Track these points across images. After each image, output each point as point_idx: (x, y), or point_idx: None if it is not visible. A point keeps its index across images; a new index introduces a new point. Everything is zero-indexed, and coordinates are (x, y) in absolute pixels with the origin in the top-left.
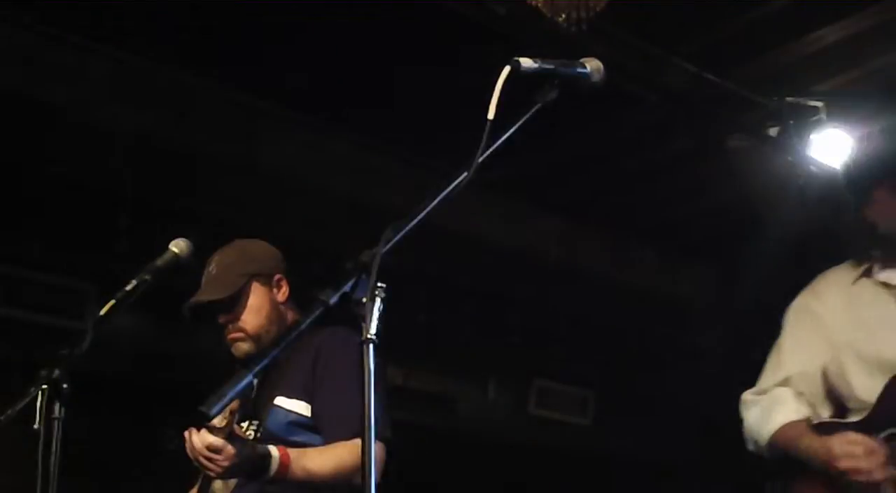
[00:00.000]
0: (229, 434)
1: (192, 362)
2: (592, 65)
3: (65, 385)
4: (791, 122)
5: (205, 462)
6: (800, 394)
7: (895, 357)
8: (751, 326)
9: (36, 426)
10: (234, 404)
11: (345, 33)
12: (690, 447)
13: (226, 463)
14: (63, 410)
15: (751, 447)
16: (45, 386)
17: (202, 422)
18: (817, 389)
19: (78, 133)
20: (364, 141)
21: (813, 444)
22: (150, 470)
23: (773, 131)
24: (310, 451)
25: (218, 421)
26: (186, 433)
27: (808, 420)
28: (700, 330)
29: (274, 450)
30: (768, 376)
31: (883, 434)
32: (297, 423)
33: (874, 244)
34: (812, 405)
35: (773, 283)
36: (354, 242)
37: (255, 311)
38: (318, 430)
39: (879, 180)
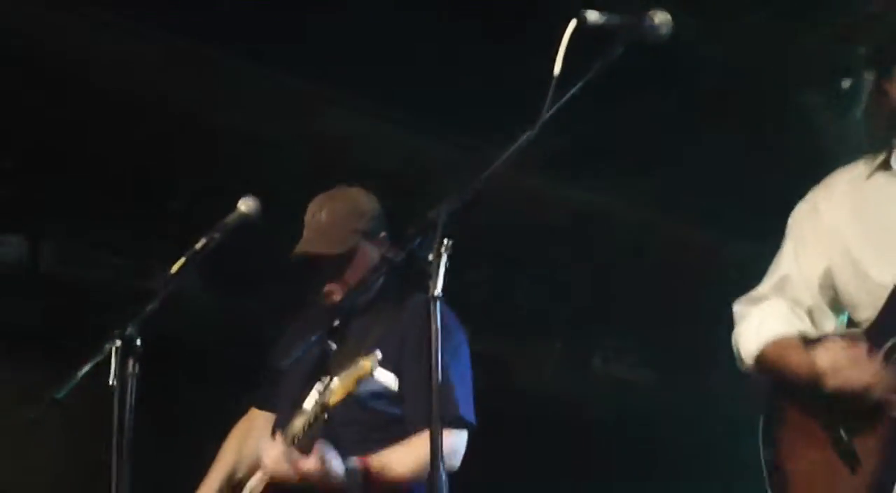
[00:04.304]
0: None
1: (259, 325)
2: (660, 17)
3: (138, 342)
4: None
5: (280, 475)
6: (796, 303)
7: None
8: None
9: (111, 382)
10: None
11: (397, 11)
12: (757, 403)
13: (298, 479)
14: (137, 366)
15: (739, 365)
16: (118, 343)
17: (277, 379)
18: (816, 295)
19: (137, 107)
20: (415, 119)
21: (800, 362)
22: (222, 431)
23: (845, 84)
24: (392, 456)
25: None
26: (263, 443)
27: (801, 335)
28: None
29: (358, 469)
30: (763, 281)
31: (888, 344)
32: (382, 394)
33: (887, 127)
34: (811, 316)
35: None
36: (405, 220)
37: (361, 270)
38: (403, 406)
39: None
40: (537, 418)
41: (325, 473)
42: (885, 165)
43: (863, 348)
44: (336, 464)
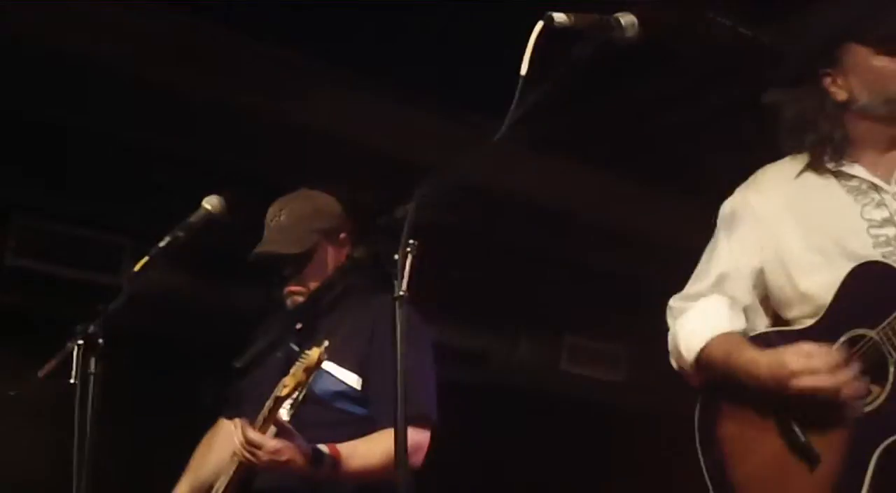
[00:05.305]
0: (280, 429)
1: (226, 318)
2: (627, 19)
3: (100, 340)
4: None
5: (247, 455)
6: (734, 301)
7: (852, 249)
8: None
9: (72, 381)
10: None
11: None
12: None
13: (266, 458)
14: (99, 364)
15: (675, 364)
16: (81, 341)
17: (237, 376)
18: (751, 293)
19: (114, 87)
20: (405, 96)
21: (757, 358)
22: (185, 425)
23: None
24: (359, 447)
25: (286, 412)
26: (232, 424)
27: (744, 332)
28: None
29: (325, 452)
30: (700, 278)
31: (843, 338)
32: (345, 394)
33: (835, 127)
34: (746, 314)
35: None
36: (393, 199)
37: (321, 269)
38: (367, 405)
39: (853, 39)
40: (512, 412)
41: (292, 448)
42: (816, 165)
43: (837, 353)
44: (303, 442)
